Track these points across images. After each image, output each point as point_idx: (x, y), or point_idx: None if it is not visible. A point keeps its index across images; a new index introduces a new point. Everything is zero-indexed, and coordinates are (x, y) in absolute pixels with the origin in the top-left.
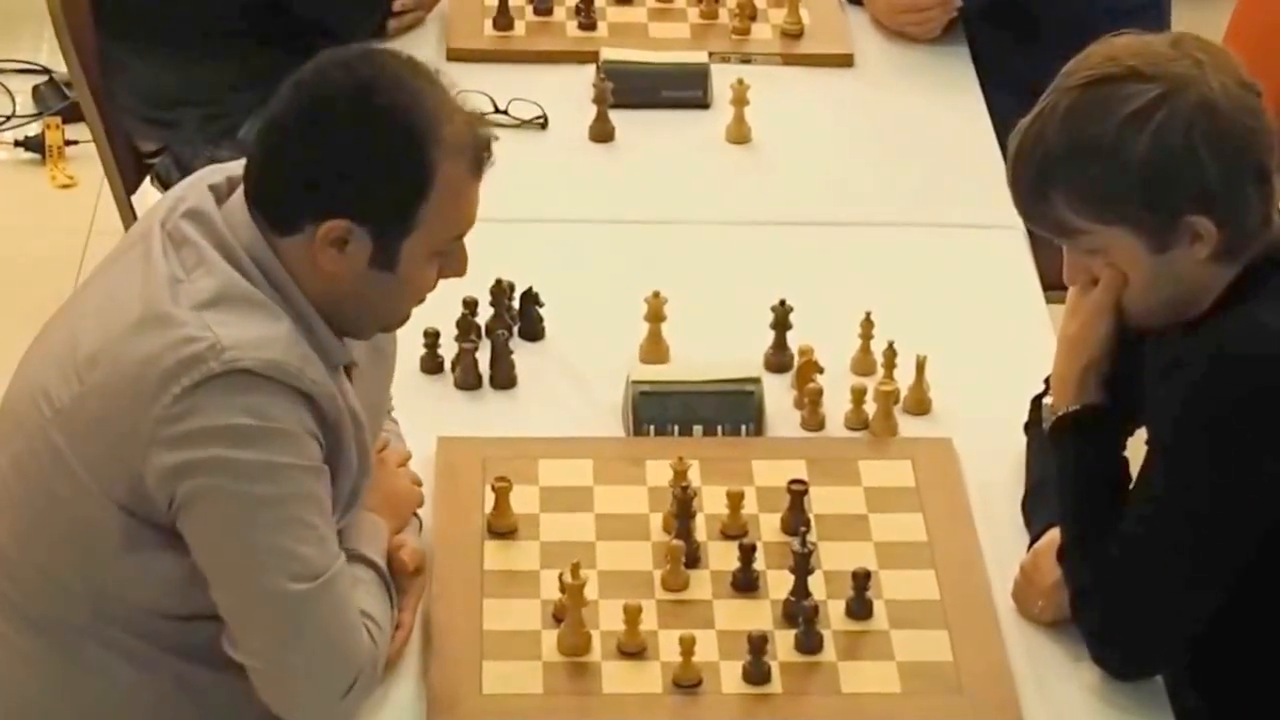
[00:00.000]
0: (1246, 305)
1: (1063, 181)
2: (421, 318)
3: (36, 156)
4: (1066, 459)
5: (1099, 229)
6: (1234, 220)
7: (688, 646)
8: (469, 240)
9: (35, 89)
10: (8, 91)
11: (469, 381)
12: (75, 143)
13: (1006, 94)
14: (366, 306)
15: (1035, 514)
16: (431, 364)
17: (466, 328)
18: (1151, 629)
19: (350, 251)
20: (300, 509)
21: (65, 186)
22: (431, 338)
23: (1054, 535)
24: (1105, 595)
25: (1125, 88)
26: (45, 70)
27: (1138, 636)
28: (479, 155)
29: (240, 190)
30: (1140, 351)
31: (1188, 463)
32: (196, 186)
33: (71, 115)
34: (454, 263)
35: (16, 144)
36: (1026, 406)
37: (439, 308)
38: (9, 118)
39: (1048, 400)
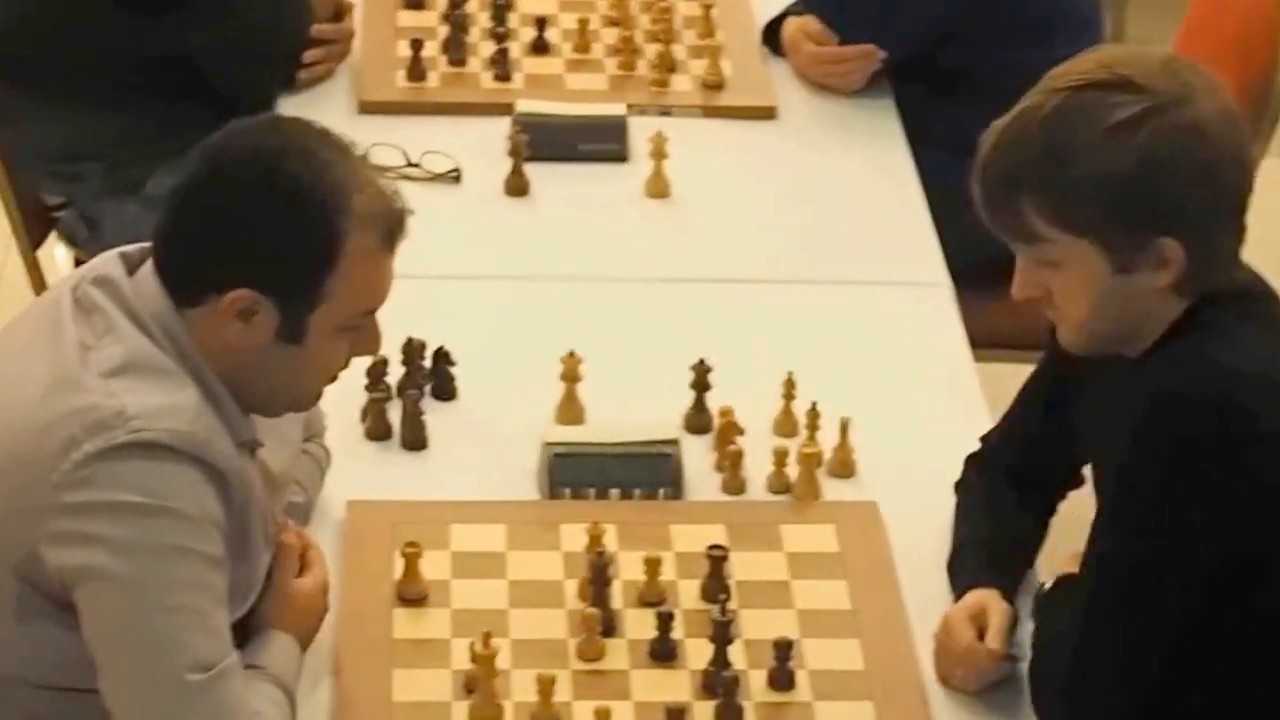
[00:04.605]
0: (1194, 338)
1: (1036, 184)
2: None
3: None
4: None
5: (1065, 239)
6: (1204, 249)
7: (603, 718)
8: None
9: None
10: None
11: (379, 431)
12: None
13: (933, 147)
14: (275, 382)
15: (960, 572)
16: (341, 418)
17: (376, 377)
18: (1104, 689)
19: (256, 323)
20: (191, 596)
21: None
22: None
23: (967, 599)
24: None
25: (1115, 96)
26: None
27: (1089, 699)
28: (391, 228)
29: (151, 260)
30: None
31: (1132, 506)
32: (109, 256)
33: None
34: (365, 339)
35: None
36: (953, 468)
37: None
38: None
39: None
